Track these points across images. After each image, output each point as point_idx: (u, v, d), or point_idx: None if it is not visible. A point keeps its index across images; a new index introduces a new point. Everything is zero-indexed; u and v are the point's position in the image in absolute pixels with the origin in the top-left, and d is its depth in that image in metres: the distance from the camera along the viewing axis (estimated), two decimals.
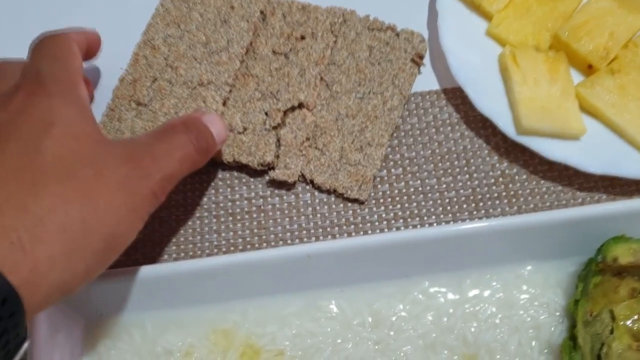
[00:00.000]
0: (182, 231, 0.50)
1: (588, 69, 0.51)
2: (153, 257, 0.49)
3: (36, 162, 0.34)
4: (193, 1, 0.55)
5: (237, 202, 0.51)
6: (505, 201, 0.50)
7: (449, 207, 0.50)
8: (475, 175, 0.50)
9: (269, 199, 0.51)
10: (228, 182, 0.51)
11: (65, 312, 0.44)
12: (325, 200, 0.50)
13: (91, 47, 0.48)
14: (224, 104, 0.51)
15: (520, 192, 0.50)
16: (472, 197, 0.50)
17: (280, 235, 0.50)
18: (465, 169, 0.51)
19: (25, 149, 0.35)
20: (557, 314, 0.45)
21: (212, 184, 0.51)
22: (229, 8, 0.54)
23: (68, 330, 0.44)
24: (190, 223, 0.50)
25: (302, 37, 0.53)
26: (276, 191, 0.51)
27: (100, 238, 0.35)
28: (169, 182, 0.40)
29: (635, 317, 0.42)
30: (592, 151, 0.48)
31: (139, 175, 0.38)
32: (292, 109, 0.51)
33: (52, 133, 0.35)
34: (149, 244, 0.49)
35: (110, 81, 0.54)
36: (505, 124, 0.49)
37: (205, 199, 0.51)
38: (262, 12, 0.54)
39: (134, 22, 0.55)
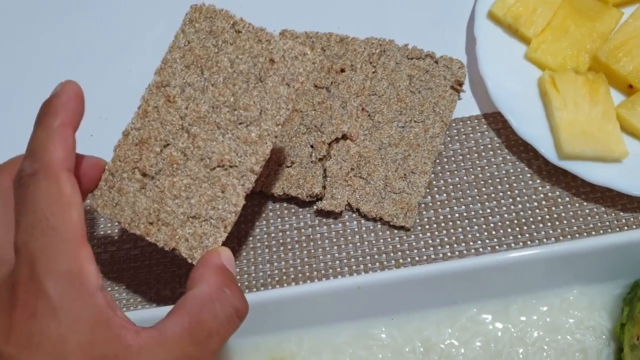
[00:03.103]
0: (237, 262, 0.52)
1: (629, 89, 0.52)
2: None
3: None
4: (224, 39, 0.43)
5: (287, 232, 0.53)
6: (549, 224, 0.51)
7: (494, 232, 0.51)
8: (518, 199, 0.52)
9: (318, 228, 0.53)
10: (278, 212, 0.54)
11: None
12: (371, 228, 0.52)
13: (78, 117, 0.37)
14: (246, 197, 0.42)
15: (563, 214, 0.51)
16: (516, 221, 0.51)
17: (329, 263, 0.52)
18: (509, 193, 0.52)
19: None
20: (604, 337, 0.46)
21: (264, 215, 0.54)
22: (267, 61, 0.42)
23: None
24: (244, 254, 0.53)
25: (342, 70, 0.55)
26: (324, 220, 0.53)
27: None
28: None
29: None
30: (635, 173, 0.49)
31: None
32: (336, 140, 0.53)
33: None
34: None
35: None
36: (547, 149, 0.50)
37: (257, 230, 0.53)
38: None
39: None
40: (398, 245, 0.52)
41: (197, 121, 0.42)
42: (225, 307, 0.36)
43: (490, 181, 0.52)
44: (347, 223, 0.53)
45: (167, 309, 0.44)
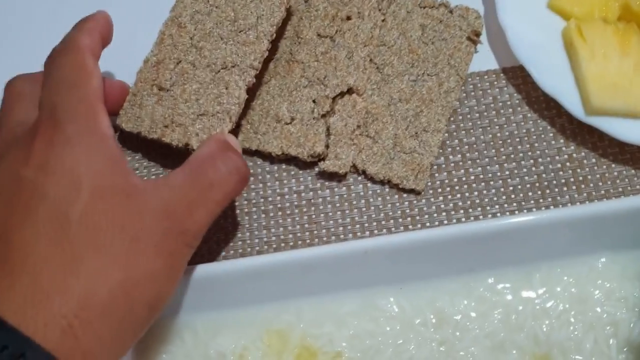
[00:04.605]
0: (230, 228, 0.48)
1: None
2: (201, 256, 0.47)
3: (69, 233, 0.34)
4: None
5: (287, 196, 0.49)
6: (574, 187, 0.46)
7: (513, 196, 0.47)
8: (540, 160, 0.47)
9: (320, 192, 0.48)
10: (276, 175, 0.49)
11: None
12: (379, 191, 0.48)
13: (105, 39, 0.44)
14: (248, 90, 0.47)
15: (589, 177, 0.47)
16: (537, 184, 0.47)
17: (332, 230, 0.47)
18: (530, 153, 0.47)
19: (56, 218, 0.34)
20: (637, 309, 0.41)
21: (260, 177, 0.49)
22: None
23: None
24: (239, 219, 0.48)
25: (348, 18, 0.50)
26: (327, 183, 0.49)
27: (144, 307, 0.36)
28: (206, 228, 0.38)
29: None
30: None
31: (176, 232, 0.36)
32: (341, 95, 0.48)
33: (80, 196, 0.34)
34: None
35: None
36: (572, 104, 0.46)
37: (253, 194, 0.49)
38: None
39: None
40: (407, 210, 0.47)
41: (204, 37, 0.48)
42: (226, 162, 0.39)
43: (509, 141, 0.48)
44: (352, 186, 0.48)
45: None
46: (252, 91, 0.49)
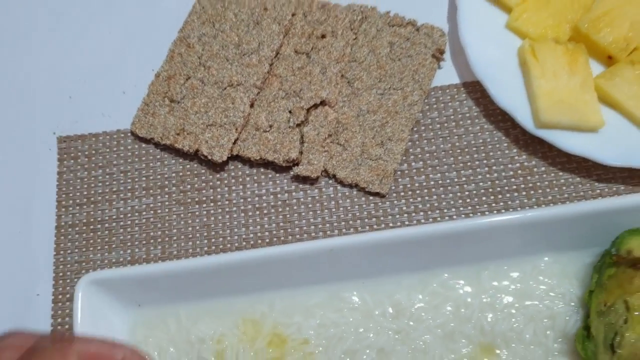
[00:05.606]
0: (212, 225, 0.52)
1: (608, 60, 0.52)
2: (186, 250, 0.52)
3: None
4: (229, 0, 0.57)
5: (264, 197, 0.53)
6: (524, 193, 0.51)
7: (468, 200, 0.51)
8: (494, 167, 0.52)
9: (294, 194, 0.53)
10: (255, 177, 0.54)
11: (107, 303, 0.47)
12: (347, 194, 0.52)
13: None
14: (252, 105, 0.53)
15: (538, 184, 0.51)
16: (491, 190, 0.51)
17: (304, 228, 0.52)
18: (485, 161, 0.52)
19: None
20: (573, 304, 0.46)
21: (240, 179, 0.54)
22: (262, 9, 0.56)
23: (109, 320, 0.47)
24: (220, 217, 0.53)
25: (323, 36, 0.54)
26: (300, 186, 0.53)
27: None
28: None
29: None
30: (611, 143, 0.49)
31: None
32: (315, 106, 0.53)
33: None
34: (183, 238, 0.52)
35: (146, 75, 0.57)
36: (524, 117, 0.50)
37: (234, 194, 0.53)
38: (293, 15, 0.56)
39: (172, 19, 0.58)
40: (373, 212, 0.52)
41: (211, 57, 0.55)
42: None
43: (467, 150, 0.52)
44: (323, 189, 0.53)
45: (140, 268, 0.45)
46: None
